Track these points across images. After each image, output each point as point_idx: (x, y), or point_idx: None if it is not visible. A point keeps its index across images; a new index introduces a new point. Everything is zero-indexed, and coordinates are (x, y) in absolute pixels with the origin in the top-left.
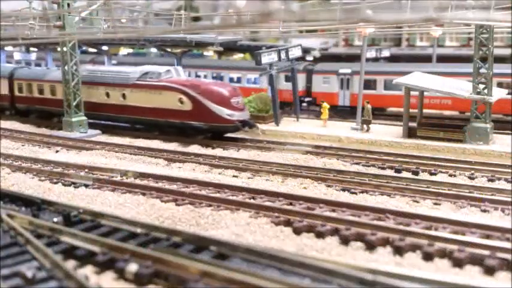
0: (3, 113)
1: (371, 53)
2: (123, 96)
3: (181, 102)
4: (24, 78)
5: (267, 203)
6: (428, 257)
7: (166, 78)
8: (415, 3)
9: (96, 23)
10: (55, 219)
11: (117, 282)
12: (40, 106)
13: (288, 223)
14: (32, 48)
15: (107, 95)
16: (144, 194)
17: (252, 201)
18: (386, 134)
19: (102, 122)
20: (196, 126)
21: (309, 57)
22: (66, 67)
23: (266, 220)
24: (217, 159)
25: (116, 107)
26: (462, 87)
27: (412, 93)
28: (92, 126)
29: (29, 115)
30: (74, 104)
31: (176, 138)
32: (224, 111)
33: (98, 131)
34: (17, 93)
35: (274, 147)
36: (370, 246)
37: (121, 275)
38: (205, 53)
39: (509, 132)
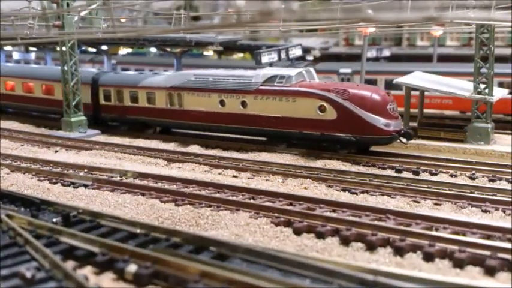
0: None
1: (371, 53)
2: (243, 104)
3: (323, 110)
4: (113, 85)
5: (267, 204)
6: (429, 257)
7: (299, 82)
8: (416, 2)
9: (95, 23)
10: (54, 220)
11: (117, 282)
12: (133, 116)
13: (288, 223)
14: (31, 48)
15: (222, 103)
16: (143, 195)
17: (252, 201)
18: None
19: (212, 133)
20: (343, 139)
21: (309, 57)
22: (65, 67)
23: (266, 220)
24: (217, 160)
25: (234, 116)
26: (463, 87)
27: (413, 92)
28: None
29: (119, 126)
30: (74, 103)
31: (175, 138)
32: (379, 121)
33: (97, 131)
34: (102, 101)
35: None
36: (371, 247)
37: (120, 275)
38: (205, 53)
39: (510, 132)
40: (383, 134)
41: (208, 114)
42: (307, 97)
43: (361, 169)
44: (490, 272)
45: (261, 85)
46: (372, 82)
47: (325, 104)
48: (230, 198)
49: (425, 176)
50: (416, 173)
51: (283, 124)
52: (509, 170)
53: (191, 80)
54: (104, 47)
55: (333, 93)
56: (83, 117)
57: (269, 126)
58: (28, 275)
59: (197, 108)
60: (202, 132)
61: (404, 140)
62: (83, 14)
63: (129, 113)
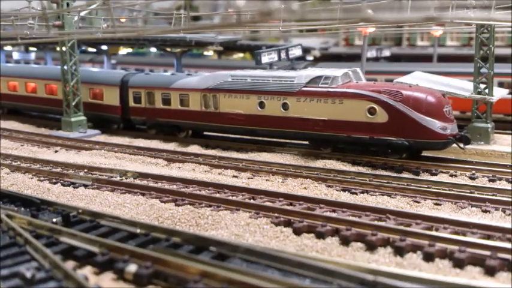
0: (109, 128)
1: (371, 53)
2: (285, 106)
3: (372, 112)
4: (143, 86)
5: (267, 203)
6: (429, 257)
7: (345, 83)
8: (416, 2)
9: (95, 23)
10: (54, 220)
11: (117, 282)
12: (165, 119)
13: (288, 223)
14: (31, 48)
15: (261, 105)
16: (143, 195)
17: (252, 201)
18: None
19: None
20: (394, 143)
21: (309, 57)
22: (65, 67)
23: (266, 220)
24: (217, 159)
25: (274, 119)
26: (463, 87)
27: None
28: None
29: (147, 130)
30: (74, 103)
31: (176, 138)
32: (436, 124)
33: (97, 131)
34: (132, 103)
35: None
36: (371, 247)
37: (120, 275)
38: (205, 53)
39: (510, 132)
40: (439, 138)
41: (246, 117)
42: (355, 99)
43: (361, 169)
44: (490, 272)
45: (304, 86)
46: None
47: (375, 106)
48: (230, 198)
49: (425, 176)
50: (416, 173)
51: (328, 127)
52: (509, 170)
53: (228, 81)
54: (104, 47)
55: (384, 94)
56: (83, 117)
57: (313, 130)
58: (28, 275)
59: (234, 110)
60: (239, 136)
61: (461, 144)
62: (83, 14)
63: (160, 115)
